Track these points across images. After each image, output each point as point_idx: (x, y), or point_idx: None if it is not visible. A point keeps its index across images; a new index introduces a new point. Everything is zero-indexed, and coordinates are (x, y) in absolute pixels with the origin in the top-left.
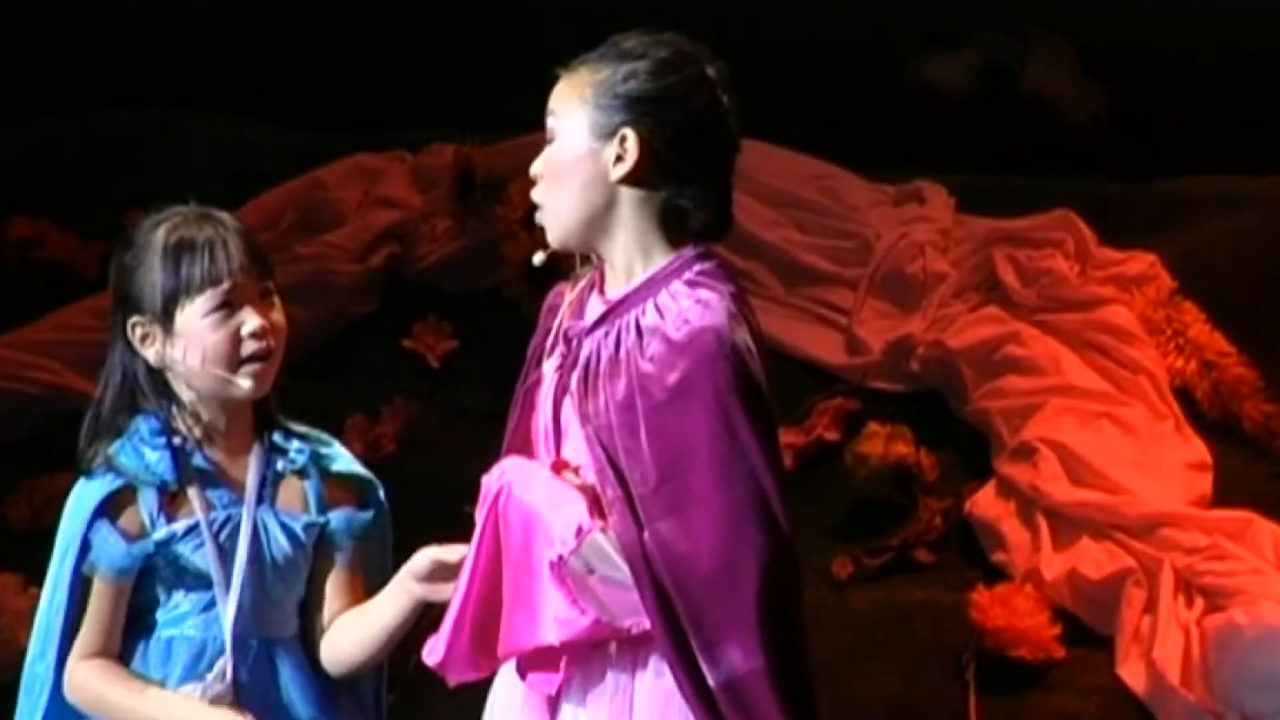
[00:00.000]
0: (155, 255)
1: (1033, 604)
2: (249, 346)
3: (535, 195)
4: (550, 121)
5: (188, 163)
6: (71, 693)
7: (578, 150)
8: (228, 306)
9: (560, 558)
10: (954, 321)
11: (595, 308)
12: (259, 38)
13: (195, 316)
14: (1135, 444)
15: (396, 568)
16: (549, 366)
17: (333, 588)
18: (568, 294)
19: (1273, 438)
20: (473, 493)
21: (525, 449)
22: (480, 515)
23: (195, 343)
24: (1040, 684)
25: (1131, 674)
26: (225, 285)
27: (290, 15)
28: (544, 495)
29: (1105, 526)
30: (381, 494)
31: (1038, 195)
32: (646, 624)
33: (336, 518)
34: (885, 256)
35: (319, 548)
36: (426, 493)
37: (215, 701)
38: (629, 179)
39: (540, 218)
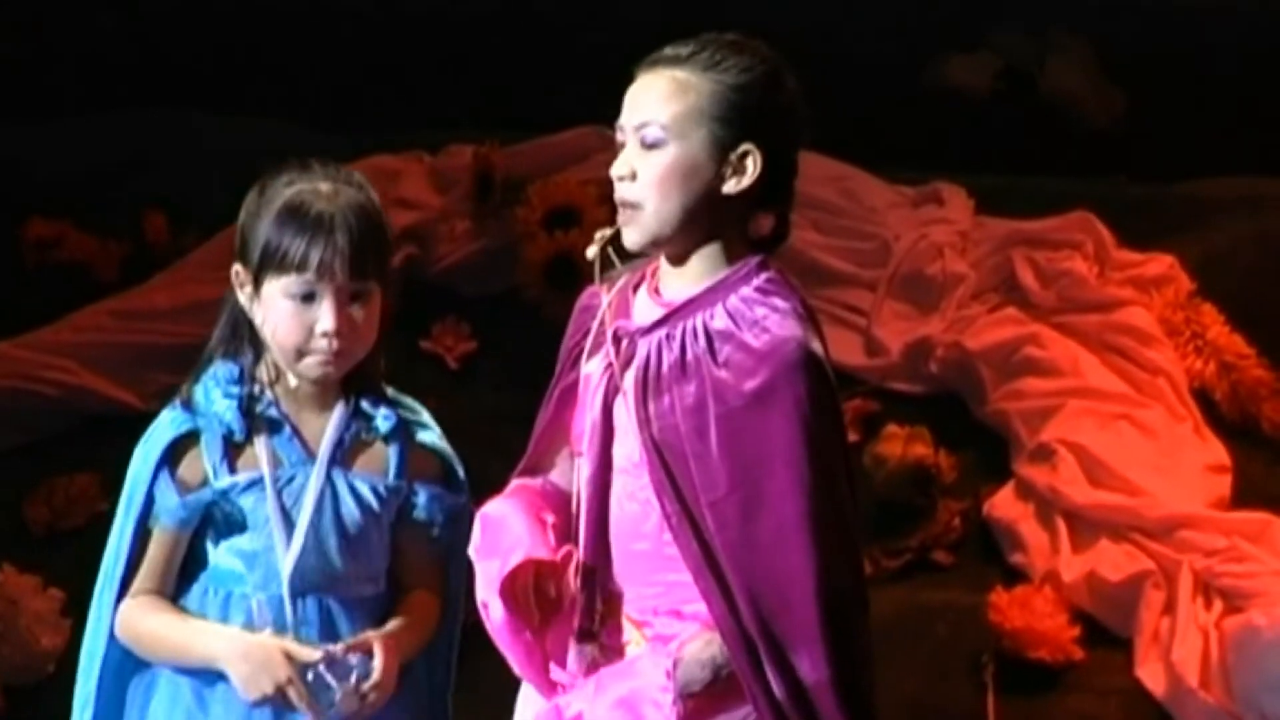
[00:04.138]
0: (270, 213)
1: (1051, 605)
2: (318, 343)
3: (630, 194)
4: (654, 130)
5: (207, 164)
6: (120, 629)
7: (695, 161)
8: (309, 298)
9: (672, 705)
10: (973, 323)
11: (647, 308)
12: (277, 38)
13: (277, 293)
14: (1154, 446)
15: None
16: (593, 366)
17: (416, 567)
18: (604, 294)
19: None
20: (489, 494)
21: (555, 449)
22: None
23: (270, 317)
24: (1059, 685)
25: (1150, 675)
26: (309, 276)
27: (309, 16)
28: (615, 685)
29: (1124, 528)
30: (463, 476)
31: (1057, 197)
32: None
33: (423, 491)
34: (904, 258)
35: (404, 522)
36: None
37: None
38: (739, 192)
39: (631, 216)
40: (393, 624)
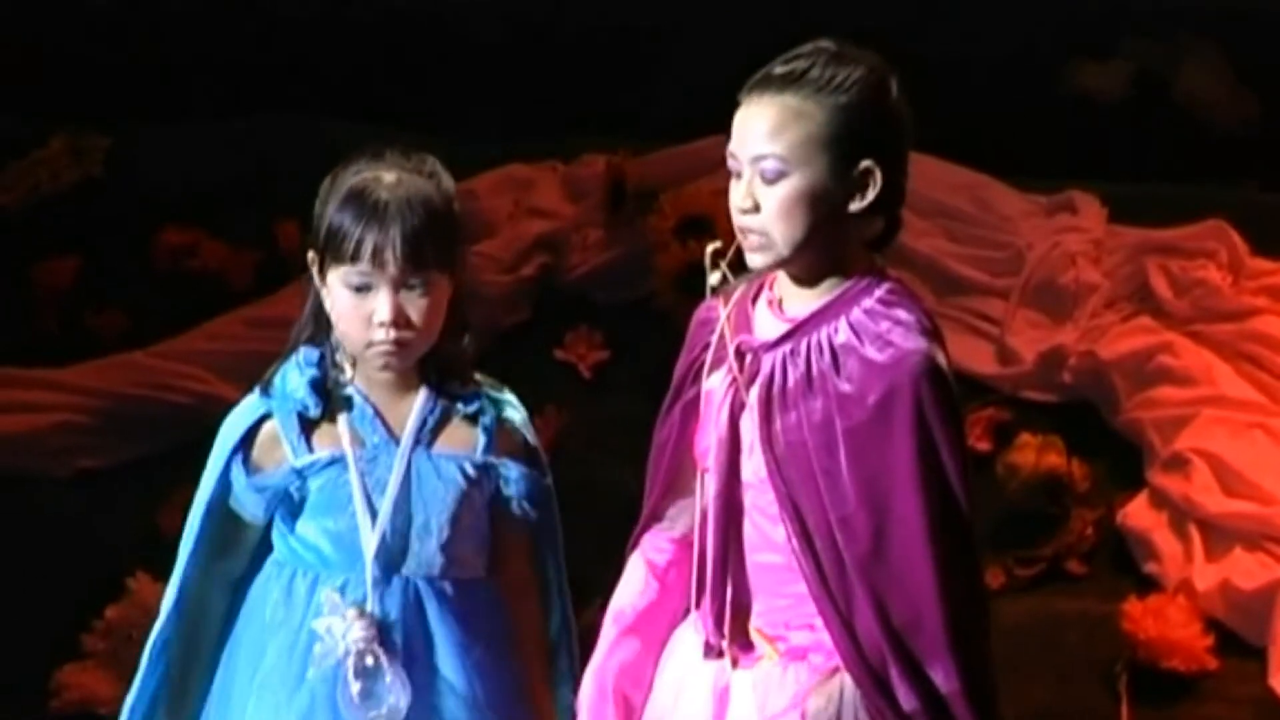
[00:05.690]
0: (335, 199)
1: (1185, 615)
2: (376, 333)
3: (755, 225)
4: (772, 163)
5: None
6: None
7: (818, 188)
8: (365, 288)
9: None
10: (1106, 332)
11: (769, 322)
12: (413, 49)
13: (338, 282)
14: None
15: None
16: (716, 381)
17: (510, 549)
18: (721, 308)
19: None
20: (622, 502)
21: (680, 466)
22: None
23: (334, 304)
24: (1192, 695)
25: None
26: (363, 265)
27: (443, 25)
28: None
29: (1258, 537)
30: (545, 459)
31: (1190, 205)
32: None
33: (514, 468)
34: (1037, 266)
35: (497, 503)
36: (578, 501)
37: (363, 644)
38: (863, 209)
39: (758, 244)
40: None
